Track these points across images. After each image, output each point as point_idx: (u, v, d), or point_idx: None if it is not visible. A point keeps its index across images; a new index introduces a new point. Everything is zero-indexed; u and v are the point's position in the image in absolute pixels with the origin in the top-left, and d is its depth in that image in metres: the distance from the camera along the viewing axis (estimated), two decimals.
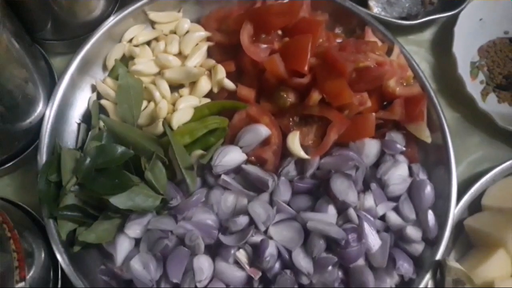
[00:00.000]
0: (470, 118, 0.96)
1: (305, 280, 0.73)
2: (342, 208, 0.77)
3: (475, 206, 0.86)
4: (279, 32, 0.86)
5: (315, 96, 0.80)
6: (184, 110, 0.81)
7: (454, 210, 0.80)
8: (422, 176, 0.84)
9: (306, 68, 0.80)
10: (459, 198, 0.82)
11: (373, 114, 0.82)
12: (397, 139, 0.85)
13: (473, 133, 0.95)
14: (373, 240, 0.75)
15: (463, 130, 0.95)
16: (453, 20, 0.96)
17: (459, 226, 0.85)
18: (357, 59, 0.80)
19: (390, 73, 0.82)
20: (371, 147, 0.83)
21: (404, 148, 0.84)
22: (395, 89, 0.84)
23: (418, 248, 0.79)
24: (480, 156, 0.94)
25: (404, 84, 0.86)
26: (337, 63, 0.79)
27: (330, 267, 0.74)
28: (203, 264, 0.72)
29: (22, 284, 0.58)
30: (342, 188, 0.76)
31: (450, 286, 0.75)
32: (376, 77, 0.81)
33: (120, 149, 0.73)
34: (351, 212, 0.76)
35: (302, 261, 0.73)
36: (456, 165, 0.82)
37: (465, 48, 0.97)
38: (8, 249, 0.56)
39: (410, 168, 0.84)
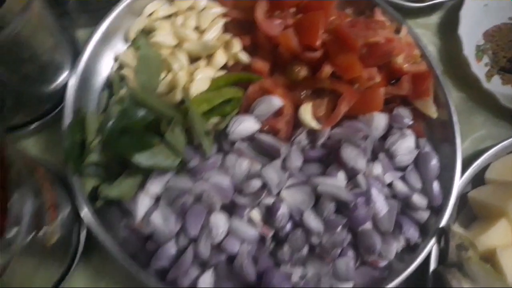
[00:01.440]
0: (474, 98, 1.00)
1: (315, 240, 0.77)
2: (351, 175, 0.80)
3: (478, 181, 0.90)
4: (293, 10, 0.90)
5: (327, 69, 0.84)
6: (201, 80, 0.85)
7: (459, 181, 0.84)
8: (428, 149, 0.87)
9: (318, 42, 0.84)
10: (463, 171, 0.85)
11: (382, 88, 0.86)
12: (405, 114, 0.88)
13: (477, 112, 0.99)
14: (381, 205, 0.79)
15: (468, 109, 0.99)
16: (459, 4, 1.00)
17: (463, 199, 0.88)
18: (367, 35, 0.84)
19: (398, 49, 0.86)
20: (380, 120, 0.87)
21: (411, 122, 0.88)
22: (402, 66, 0.88)
23: (423, 215, 0.82)
24: (484, 133, 0.98)
25: (412, 62, 0.90)
26: (348, 37, 0.83)
27: (339, 228, 0.77)
28: (219, 220, 0.75)
29: (52, 224, 0.62)
30: (352, 155, 0.80)
31: (453, 251, 0.78)
32: (385, 52, 0.85)
33: (141, 112, 0.77)
34: (360, 178, 0.79)
35: (313, 222, 0.76)
36: (460, 141, 0.86)
37: (471, 32, 1.01)
38: (41, 195, 0.60)
39: (416, 142, 0.87)
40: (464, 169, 0.86)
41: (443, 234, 0.80)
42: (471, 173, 0.87)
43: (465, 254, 0.78)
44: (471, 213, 0.88)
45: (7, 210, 0.52)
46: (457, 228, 0.80)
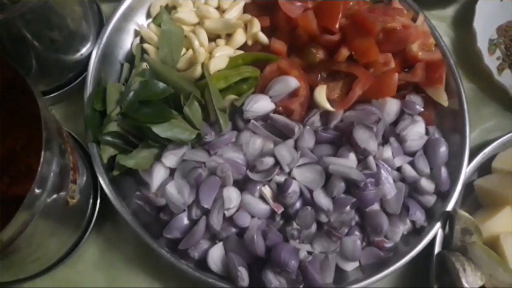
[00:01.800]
0: (486, 89, 1.02)
1: (324, 218, 0.79)
2: (362, 157, 0.82)
3: (484, 170, 0.91)
4: None
5: (344, 52, 0.86)
6: (220, 57, 0.87)
7: (466, 169, 0.86)
8: (438, 136, 0.89)
9: (337, 26, 0.86)
10: (470, 160, 0.87)
11: (396, 74, 0.87)
12: (417, 101, 0.90)
13: (487, 104, 1.01)
14: (389, 188, 0.81)
15: (479, 100, 1.01)
16: None
17: (469, 187, 0.90)
18: (385, 20, 0.85)
19: (414, 36, 0.88)
20: (392, 105, 0.88)
21: (422, 109, 0.89)
22: (417, 53, 0.90)
23: (430, 199, 0.85)
24: (493, 124, 0.99)
25: (426, 50, 0.92)
26: (366, 22, 0.84)
27: (348, 208, 0.79)
28: (232, 194, 0.78)
29: (74, 185, 0.64)
30: (364, 137, 0.81)
31: (458, 235, 0.81)
32: (401, 38, 0.87)
33: (161, 85, 0.79)
34: (371, 159, 0.81)
35: (323, 200, 0.78)
36: (469, 131, 0.88)
37: (485, 26, 1.02)
38: (65, 156, 0.62)
39: (426, 129, 0.89)
40: (472, 157, 0.88)
41: (449, 218, 0.81)
42: (478, 161, 0.89)
43: (469, 239, 0.79)
44: (477, 201, 0.90)
45: (38, 168, 0.54)
46: (463, 211, 0.81)
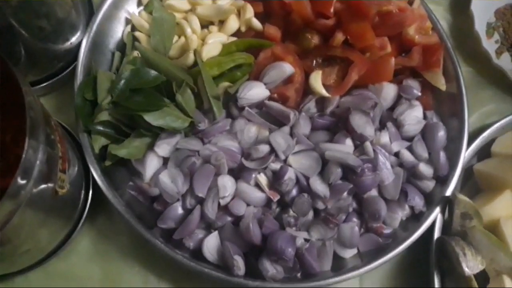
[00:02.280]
0: (483, 73, 1.00)
1: (320, 205, 0.78)
2: (359, 142, 0.81)
3: (483, 154, 0.90)
4: None
5: (339, 37, 0.85)
6: (213, 44, 0.85)
7: (465, 153, 0.84)
8: (436, 120, 0.88)
9: (331, 10, 0.84)
10: (469, 144, 0.86)
11: (393, 58, 0.86)
12: (414, 86, 0.89)
13: (486, 87, 1.00)
14: (387, 173, 0.80)
15: (477, 84, 0.99)
16: None
17: (468, 172, 0.89)
18: (380, 3, 0.84)
19: (410, 19, 0.86)
20: (389, 90, 0.87)
21: (420, 94, 0.88)
22: (414, 37, 0.88)
23: (429, 184, 0.83)
24: (491, 108, 0.98)
25: (423, 33, 0.90)
26: (361, 5, 0.83)
27: (345, 194, 0.78)
28: (227, 182, 0.76)
29: (63, 174, 0.62)
30: (361, 122, 0.80)
31: (458, 219, 0.79)
32: (397, 22, 0.85)
33: (153, 73, 0.78)
34: (368, 145, 0.80)
35: (319, 186, 0.77)
36: (468, 115, 0.87)
37: (482, 9, 1.01)
38: (53, 145, 0.61)
39: (424, 114, 0.88)
40: (470, 141, 0.87)
41: (448, 203, 0.80)
42: (477, 145, 0.88)
43: (469, 223, 0.78)
44: (476, 186, 0.89)
45: (22, 156, 0.52)
46: (462, 195, 0.80)
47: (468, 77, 0.97)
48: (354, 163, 0.76)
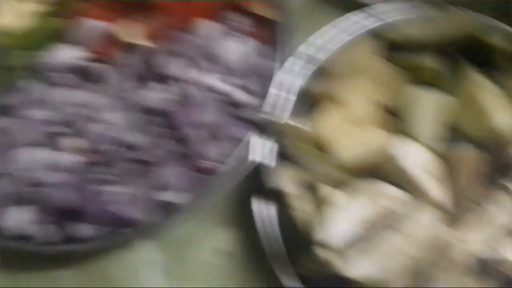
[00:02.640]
0: None
1: (140, 155, 0.76)
2: (173, 84, 0.79)
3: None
4: None
5: None
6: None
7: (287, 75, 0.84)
8: (267, 51, 0.86)
9: None
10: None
11: None
12: (239, 20, 0.87)
13: (321, 10, 0.96)
14: (206, 110, 0.79)
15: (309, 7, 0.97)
16: None
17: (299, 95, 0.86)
18: None
19: None
20: (211, 29, 0.85)
21: (248, 28, 0.86)
22: None
23: (251, 113, 0.82)
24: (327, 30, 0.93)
25: None
26: None
27: (162, 139, 0.77)
28: (28, 155, 0.75)
29: None
30: (177, 65, 0.80)
31: (287, 143, 0.78)
32: None
33: None
34: (181, 85, 0.79)
35: (135, 138, 0.76)
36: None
37: None
38: None
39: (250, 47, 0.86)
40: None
41: (273, 127, 0.79)
42: (311, 69, 0.86)
43: (297, 145, 0.77)
44: (307, 107, 0.86)
45: None
46: (289, 121, 0.79)
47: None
48: (166, 106, 0.75)
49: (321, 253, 0.68)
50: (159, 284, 0.80)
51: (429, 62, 0.86)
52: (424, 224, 0.71)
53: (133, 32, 0.83)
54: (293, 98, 0.83)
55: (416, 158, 0.76)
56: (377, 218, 0.71)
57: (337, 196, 0.72)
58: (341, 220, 0.70)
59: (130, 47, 0.83)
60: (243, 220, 0.81)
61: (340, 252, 0.69)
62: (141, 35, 0.83)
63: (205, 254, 0.81)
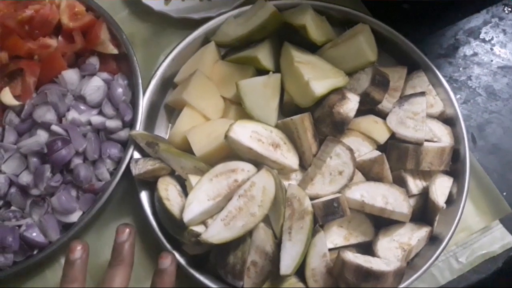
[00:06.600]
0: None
1: (35, 192, 0.94)
2: (49, 129, 0.96)
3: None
4: None
5: (3, 55, 0.99)
6: None
7: (142, 98, 1.01)
8: (120, 81, 1.04)
9: None
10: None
11: (59, 52, 1.01)
12: (93, 61, 1.05)
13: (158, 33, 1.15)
14: (80, 141, 0.95)
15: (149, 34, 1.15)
16: None
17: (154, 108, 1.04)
18: (15, 15, 0.98)
19: (52, 15, 1.01)
20: (70, 75, 1.02)
21: (97, 67, 1.04)
22: (69, 24, 1.03)
23: (122, 134, 0.99)
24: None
25: (79, 17, 1.05)
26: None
27: (48, 173, 0.93)
28: None
29: None
30: (44, 112, 0.97)
31: (148, 149, 0.95)
32: (41, 21, 1.00)
33: None
34: (56, 127, 0.95)
35: (25, 178, 0.93)
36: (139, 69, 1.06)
37: None
38: None
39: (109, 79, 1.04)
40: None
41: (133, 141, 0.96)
42: (161, 85, 1.05)
43: (156, 147, 0.94)
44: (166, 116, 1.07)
45: None
46: (136, 131, 0.97)
47: (137, 32, 1.14)
48: (43, 146, 0.93)
49: (188, 229, 0.86)
50: None
51: (253, 52, 1.03)
52: (263, 187, 0.87)
53: (14, 95, 1.00)
54: (145, 113, 1.00)
55: (256, 135, 0.92)
56: (228, 190, 0.88)
57: (193, 182, 0.89)
58: (194, 200, 0.86)
59: (10, 108, 1.00)
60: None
61: (202, 224, 0.87)
62: (12, 96, 1.00)
63: None
